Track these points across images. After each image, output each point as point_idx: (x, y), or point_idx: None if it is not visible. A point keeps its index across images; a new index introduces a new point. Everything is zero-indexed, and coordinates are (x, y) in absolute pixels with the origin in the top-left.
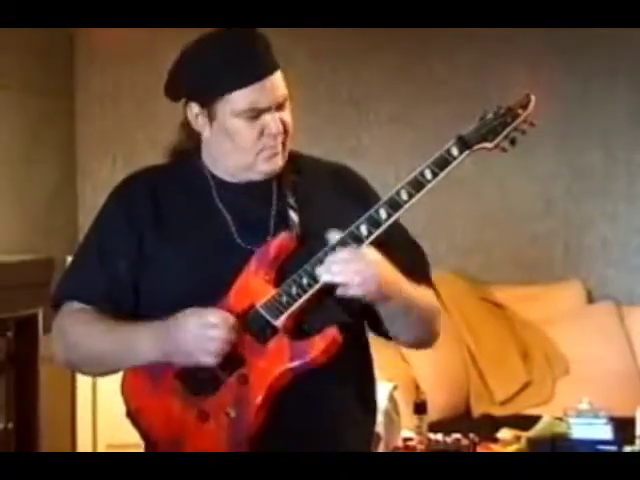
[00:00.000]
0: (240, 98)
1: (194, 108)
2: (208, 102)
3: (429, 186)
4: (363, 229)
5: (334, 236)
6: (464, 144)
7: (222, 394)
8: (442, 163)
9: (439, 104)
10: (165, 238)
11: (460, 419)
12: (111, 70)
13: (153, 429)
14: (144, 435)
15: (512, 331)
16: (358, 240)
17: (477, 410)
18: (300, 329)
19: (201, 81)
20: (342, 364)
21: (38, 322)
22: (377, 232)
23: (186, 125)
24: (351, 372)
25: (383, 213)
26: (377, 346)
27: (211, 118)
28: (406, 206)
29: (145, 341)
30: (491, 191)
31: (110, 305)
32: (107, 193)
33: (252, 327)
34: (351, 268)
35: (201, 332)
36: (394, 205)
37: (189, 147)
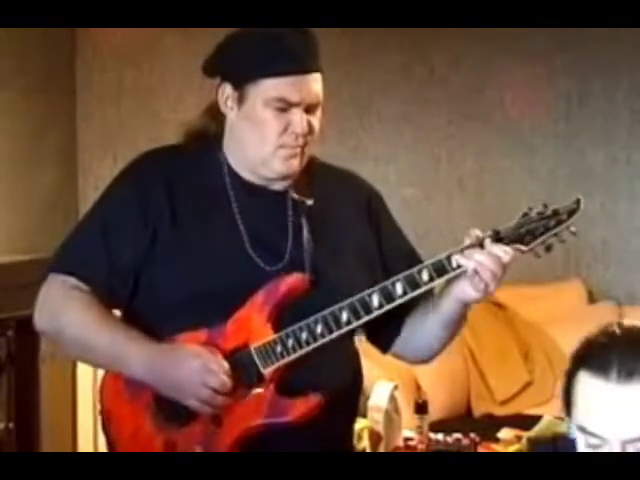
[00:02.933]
0: (274, 86)
1: (227, 89)
2: (241, 83)
3: (453, 273)
4: (375, 299)
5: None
6: (498, 241)
7: (192, 429)
8: None
9: (440, 104)
10: (178, 239)
11: (461, 419)
12: (113, 70)
13: (120, 440)
14: (110, 442)
15: (513, 331)
16: (367, 310)
17: (478, 410)
18: (287, 382)
19: (241, 60)
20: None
21: (36, 326)
22: (388, 306)
23: (212, 109)
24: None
25: (399, 289)
26: None
27: (240, 101)
28: (425, 287)
29: (138, 362)
30: (492, 191)
31: (107, 290)
32: (96, 198)
33: (240, 368)
34: (496, 271)
35: (199, 377)
36: (412, 284)
37: (210, 132)
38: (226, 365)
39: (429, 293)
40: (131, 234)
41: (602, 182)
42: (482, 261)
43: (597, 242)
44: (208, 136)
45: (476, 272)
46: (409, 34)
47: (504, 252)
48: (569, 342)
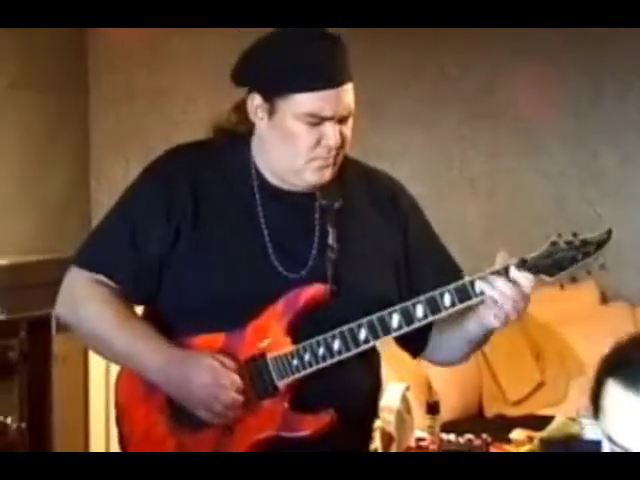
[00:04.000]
0: (305, 101)
1: (256, 99)
2: (272, 96)
3: (475, 300)
4: (395, 319)
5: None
6: (524, 270)
7: (203, 436)
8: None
9: (451, 103)
10: (201, 240)
11: (473, 419)
12: (123, 70)
13: (132, 437)
14: (122, 437)
15: (525, 332)
16: (386, 330)
17: (490, 410)
18: (302, 394)
19: (272, 73)
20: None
21: (51, 322)
22: (408, 328)
23: (240, 110)
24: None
25: (420, 311)
26: (390, 346)
27: (271, 113)
28: (446, 313)
29: (152, 365)
30: (504, 192)
31: (133, 287)
32: (120, 194)
33: (255, 377)
34: (518, 301)
35: (211, 391)
36: (433, 307)
37: (239, 130)
38: (238, 380)
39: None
40: (155, 231)
41: (614, 182)
42: (504, 291)
43: (610, 243)
44: (237, 134)
45: (496, 301)
46: (420, 34)
47: (528, 280)
48: (582, 343)
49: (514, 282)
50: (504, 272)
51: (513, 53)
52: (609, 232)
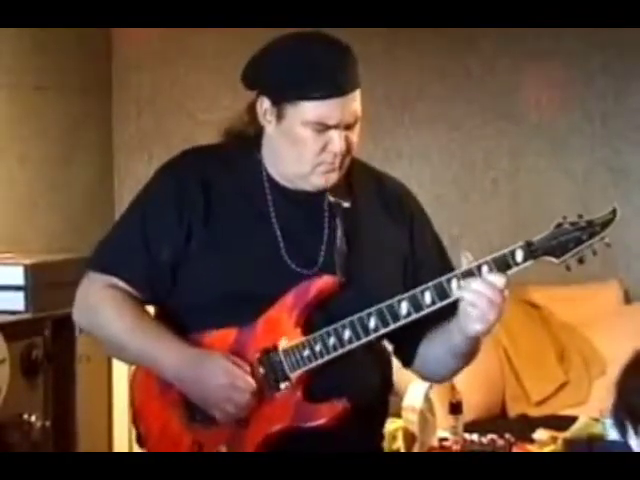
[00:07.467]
0: (312, 109)
1: (265, 103)
2: (280, 101)
3: (453, 297)
4: (403, 307)
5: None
6: (530, 253)
7: (219, 430)
8: (502, 265)
9: (475, 103)
10: (212, 239)
11: (496, 419)
12: (148, 70)
13: (149, 435)
14: (140, 436)
15: (549, 332)
16: (395, 317)
17: (513, 410)
18: (314, 385)
19: (281, 80)
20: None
21: (75, 321)
22: (417, 315)
23: (252, 110)
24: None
25: (428, 298)
26: None
27: (279, 117)
28: (452, 299)
29: (168, 367)
30: (527, 191)
31: (147, 289)
32: (134, 196)
33: (268, 370)
34: (494, 299)
35: (226, 392)
36: (441, 293)
37: (249, 132)
38: (253, 383)
39: (438, 322)
40: (167, 233)
41: (639, 182)
42: (479, 290)
43: (634, 242)
44: (247, 136)
45: (473, 303)
46: (444, 34)
47: (499, 278)
48: (606, 342)
49: (488, 281)
50: (477, 272)
51: (537, 53)
52: (614, 212)
